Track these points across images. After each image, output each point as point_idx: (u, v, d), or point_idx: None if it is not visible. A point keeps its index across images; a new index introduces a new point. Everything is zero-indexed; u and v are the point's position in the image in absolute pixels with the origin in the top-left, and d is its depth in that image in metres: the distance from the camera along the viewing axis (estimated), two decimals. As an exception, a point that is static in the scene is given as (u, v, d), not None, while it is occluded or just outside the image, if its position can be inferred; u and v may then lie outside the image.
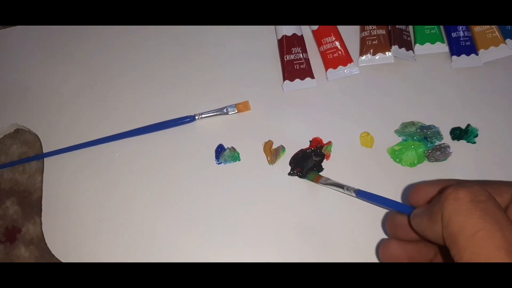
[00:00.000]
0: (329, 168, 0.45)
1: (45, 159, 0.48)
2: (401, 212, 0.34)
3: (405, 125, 0.46)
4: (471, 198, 0.25)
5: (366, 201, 0.40)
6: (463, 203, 0.25)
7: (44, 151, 0.48)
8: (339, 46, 0.49)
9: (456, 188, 0.26)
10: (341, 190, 0.41)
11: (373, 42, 0.48)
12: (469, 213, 0.24)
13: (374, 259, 0.41)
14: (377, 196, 0.37)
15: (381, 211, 0.42)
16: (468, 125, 0.45)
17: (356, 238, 0.42)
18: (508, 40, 0.48)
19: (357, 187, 0.44)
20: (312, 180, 0.44)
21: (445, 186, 0.28)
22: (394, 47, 0.48)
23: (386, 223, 0.36)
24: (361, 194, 0.39)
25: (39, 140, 0.49)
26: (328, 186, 0.43)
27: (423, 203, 0.32)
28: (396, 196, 0.43)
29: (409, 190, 0.41)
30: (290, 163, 0.45)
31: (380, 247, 0.35)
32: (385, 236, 0.42)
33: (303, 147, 0.46)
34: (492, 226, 0.24)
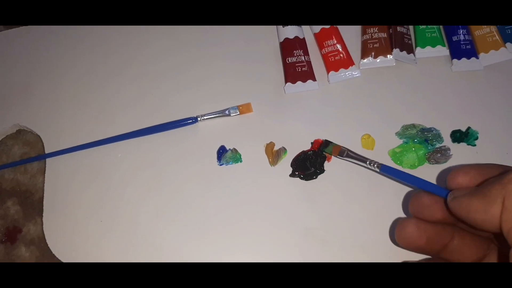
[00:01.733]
0: (330, 170, 0.45)
1: (47, 160, 0.48)
2: (431, 193, 0.34)
3: (406, 128, 0.46)
4: None
5: (390, 178, 0.39)
6: None
7: (46, 151, 0.48)
8: (340, 49, 0.49)
9: None
10: (363, 164, 0.41)
11: (375, 45, 0.49)
12: None
13: (377, 260, 0.41)
14: (404, 173, 0.36)
15: (385, 212, 0.43)
16: (469, 128, 0.46)
17: (358, 240, 0.42)
18: (508, 44, 0.48)
19: (358, 188, 0.44)
20: (331, 153, 0.44)
21: (505, 171, 0.28)
22: (395, 50, 0.48)
23: (409, 202, 0.35)
24: (386, 170, 0.37)
25: (41, 140, 0.49)
26: (348, 159, 0.43)
27: (466, 186, 0.31)
28: (399, 196, 0.43)
29: (409, 197, 0.41)
30: (292, 165, 0.45)
31: (397, 227, 0.34)
32: (387, 237, 0.42)
33: (305, 149, 0.46)
34: None
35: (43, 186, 0.47)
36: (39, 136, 0.50)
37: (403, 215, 0.43)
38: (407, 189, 0.43)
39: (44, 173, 0.47)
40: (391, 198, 0.43)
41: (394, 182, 0.44)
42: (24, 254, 0.45)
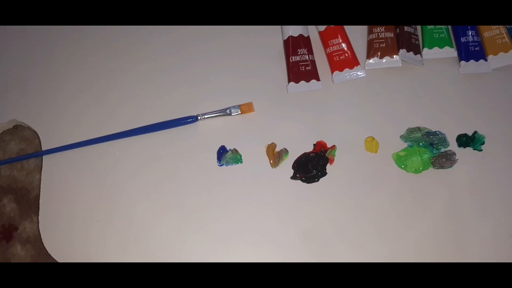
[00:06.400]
0: (332, 173, 0.44)
1: (44, 157, 0.47)
2: None
3: (411, 131, 0.45)
4: None
5: None
6: None
7: (43, 148, 0.47)
8: (346, 48, 0.48)
9: None
10: None
11: (381, 45, 0.48)
12: None
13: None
14: None
15: (387, 216, 0.42)
16: (475, 132, 0.45)
17: (358, 242, 0.42)
18: (518, 46, 0.47)
19: (360, 193, 0.43)
20: None
21: None
22: (402, 51, 0.47)
23: None
24: None
25: (38, 137, 0.48)
26: None
27: None
28: (400, 203, 0.42)
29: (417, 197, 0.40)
30: (293, 167, 0.45)
31: None
32: (387, 240, 0.41)
33: (307, 151, 0.45)
34: None
35: (40, 183, 0.46)
36: (36, 132, 0.49)
37: (404, 219, 0.42)
38: (409, 191, 0.43)
39: (41, 170, 0.47)
40: (393, 201, 0.43)
41: (396, 185, 0.43)
42: (20, 253, 0.45)
